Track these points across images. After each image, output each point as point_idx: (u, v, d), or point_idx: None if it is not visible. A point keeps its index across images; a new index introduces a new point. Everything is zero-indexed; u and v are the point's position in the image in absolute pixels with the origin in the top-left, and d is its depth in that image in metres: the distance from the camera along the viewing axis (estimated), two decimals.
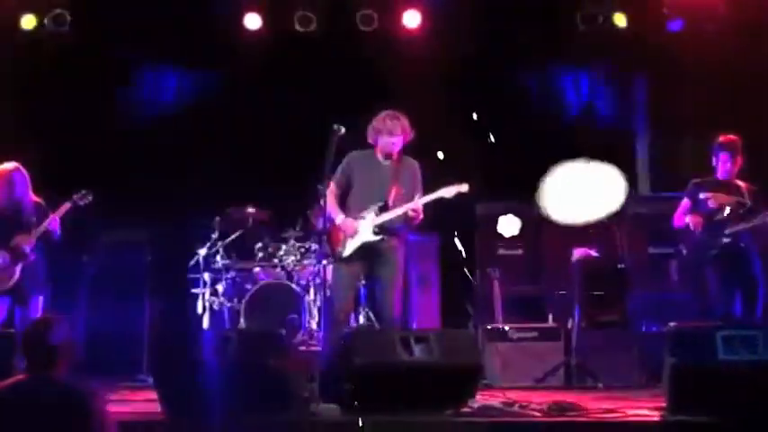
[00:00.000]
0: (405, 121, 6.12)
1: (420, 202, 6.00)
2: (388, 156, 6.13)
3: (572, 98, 9.22)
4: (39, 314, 6.27)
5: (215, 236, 8.08)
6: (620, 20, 8.48)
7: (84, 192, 6.45)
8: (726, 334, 4.90)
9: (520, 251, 8.30)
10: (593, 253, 7.72)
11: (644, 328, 7.33)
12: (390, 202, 6.04)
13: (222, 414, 4.53)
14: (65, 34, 8.43)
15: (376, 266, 6.04)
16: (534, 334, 7.23)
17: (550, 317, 7.71)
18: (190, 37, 8.67)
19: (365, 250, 5.98)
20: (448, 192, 6.02)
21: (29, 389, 3.52)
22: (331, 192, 6.14)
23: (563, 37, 8.62)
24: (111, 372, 6.84)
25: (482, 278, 8.05)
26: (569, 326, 7.38)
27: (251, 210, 8.12)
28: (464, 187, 6.03)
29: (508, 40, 8.64)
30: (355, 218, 6.05)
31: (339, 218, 6.08)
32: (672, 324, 5.46)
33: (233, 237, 8.15)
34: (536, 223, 8.42)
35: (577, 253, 7.75)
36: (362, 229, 5.98)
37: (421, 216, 6.01)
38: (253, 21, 8.74)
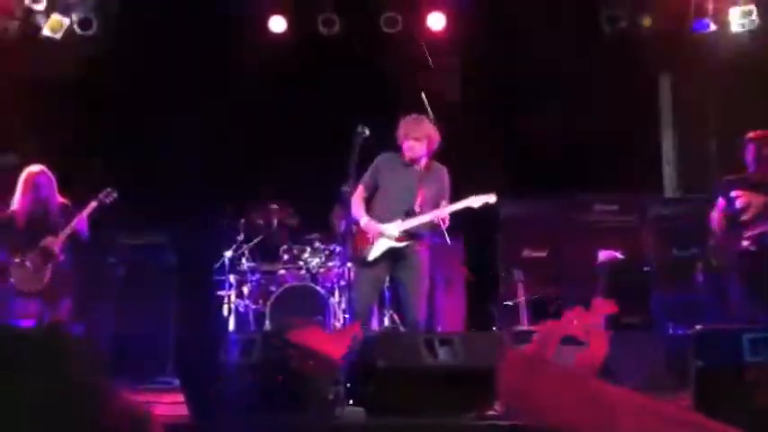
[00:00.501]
0: (429, 126, 6.13)
1: (447, 210, 6.02)
2: (413, 160, 6.14)
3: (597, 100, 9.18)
4: (67, 316, 6.35)
5: (240, 238, 8.12)
6: (646, 21, 8.45)
7: (109, 190, 6.51)
8: (753, 336, 4.87)
9: (544, 253, 8.28)
10: (619, 255, 7.68)
11: (669, 331, 7.29)
12: (417, 208, 6.05)
13: (247, 416, 4.56)
14: (89, 38, 8.50)
15: (401, 270, 6.07)
16: None
17: None
18: (214, 39, 8.73)
19: (390, 254, 6.00)
20: (476, 201, 6.09)
21: None
22: (359, 194, 6.20)
23: (588, 38, 8.61)
24: (138, 373, 6.89)
25: (507, 281, 8.04)
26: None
27: (276, 212, 8.15)
28: (492, 198, 6.12)
29: (530, 42, 8.62)
30: (381, 221, 6.05)
31: (363, 220, 6.10)
32: (697, 327, 5.43)
33: (258, 239, 8.19)
34: (561, 225, 8.41)
35: (603, 255, 7.71)
36: (388, 234, 6.00)
37: (447, 224, 6.03)
38: (278, 23, 8.80)
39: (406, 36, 8.71)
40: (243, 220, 8.14)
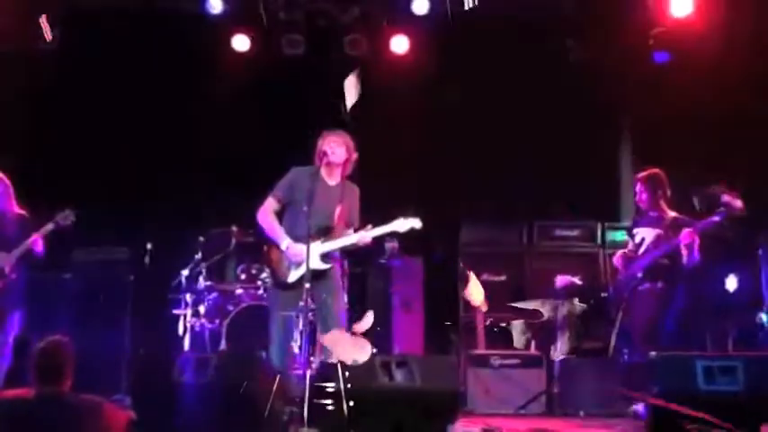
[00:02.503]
0: (349, 141, 6.07)
1: (372, 233, 5.92)
2: (331, 175, 6.04)
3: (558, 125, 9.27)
4: (15, 332, 6.21)
5: (198, 256, 8.03)
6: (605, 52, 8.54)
7: (67, 212, 6.35)
8: (706, 364, 4.92)
9: (503, 277, 8.32)
10: (577, 281, 7.73)
11: (626, 357, 7.33)
12: (336, 228, 5.96)
13: None
14: (51, 51, 8.44)
15: (322, 292, 5.88)
16: (517, 361, 7.22)
17: (533, 344, 7.71)
18: (176, 57, 8.71)
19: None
20: (402, 225, 5.91)
21: (39, 404, 3.98)
22: (269, 209, 6.02)
23: (550, 66, 8.71)
24: (90, 391, 6.75)
25: (466, 304, 8.05)
26: (551, 354, 7.38)
27: (234, 231, 8.08)
28: (417, 223, 5.92)
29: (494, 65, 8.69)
30: (296, 239, 5.83)
31: (284, 243, 5.88)
32: (652, 353, 5.48)
33: (215, 258, 8.11)
34: (520, 249, 8.46)
35: (560, 280, 7.76)
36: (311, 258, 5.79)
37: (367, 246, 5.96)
38: (241, 42, 8.78)
39: (370, 58, 8.74)
40: (201, 239, 8.06)
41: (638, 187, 6.76)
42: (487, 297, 7.79)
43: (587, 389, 6.97)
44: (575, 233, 8.55)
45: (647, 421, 4.88)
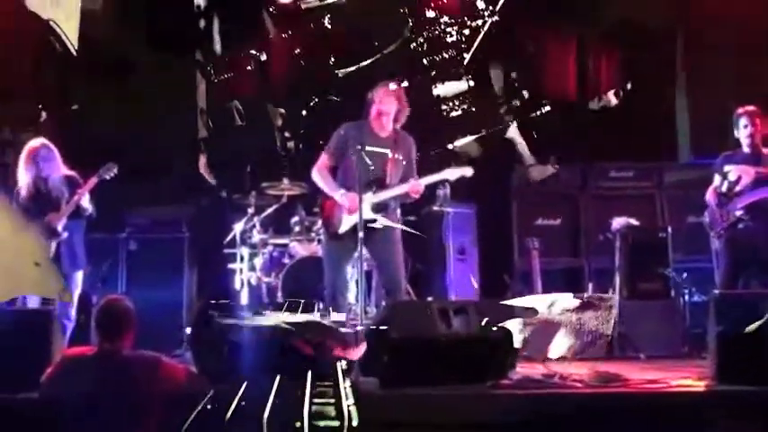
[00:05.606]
0: (400, 92, 6.00)
1: (423, 181, 5.91)
2: (382, 127, 6.00)
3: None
4: (78, 290, 6.31)
5: (251, 210, 8.06)
6: None
7: (109, 164, 6.42)
8: None
9: (558, 221, 8.22)
10: (633, 221, 7.58)
11: (686, 297, 7.21)
12: (388, 179, 5.93)
13: (258, 384, 4.50)
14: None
15: (377, 243, 5.93)
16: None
17: (590, 287, 7.62)
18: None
19: (363, 227, 5.73)
20: (452, 174, 5.94)
21: (99, 361, 4.09)
22: (323, 165, 6.04)
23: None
24: (151, 347, 6.85)
25: (520, 249, 7.98)
26: (610, 295, 7.28)
27: (285, 184, 8.07)
28: (468, 171, 5.97)
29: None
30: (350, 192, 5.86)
31: (339, 192, 5.91)
32: (715, 292, 5.36)
33: (268, 211, 8.13)
34: (575, 192, 8.33)
35: (617, 222, 7.62)
36: (364, 206, 5.74)
37: (419, 195, 5.92)
38: None
39: None
40: (253, 193, 8.08)
41: (745, 121, 6.46)
42: (542, 241, 7.72)
43: (647, 331, 6.88)
44: (630, 174, 8.39)
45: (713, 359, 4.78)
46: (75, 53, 8.26)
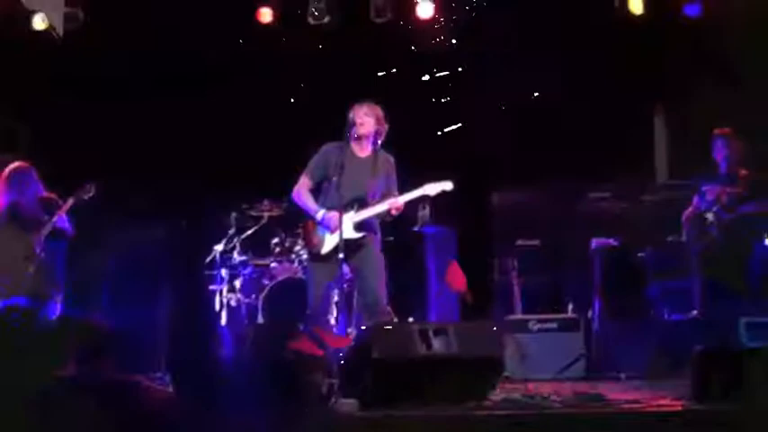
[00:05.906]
0: (378, 112, 6.03)
1: (402, 199, 5.93)
2: (362, 147, 6.03)
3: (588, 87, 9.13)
4: (56, 313, 6.27)
5: (232, 231, 8.05)
6: (636, 6, 8.35)
7: (87, 186, 6.40)
8: (749, 321, 4.85)
9: (538, 241, 8.25)
10: (612, 242, 7.64)
11: (665, 317, 7.25)
12: (369, 198, 5.95)
13: (239, 410, 4.49)
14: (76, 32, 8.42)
15: (359, 263, 5.96)
16: (554, 325, 7.16)
17: (570, 307, 7.65)
18: (204, 30, 8.64)
19: (344, 247, 5.77)
20: (432, 189, 5.93)
21: (79, 382, 4.08)
22: (304, 186, 6.07)
23: (578, 24, 8.54)
24: (128, 369, 6.80)
25: (500, 269, 8.00)
26: (589, 316, 7.31)
27: (266, 205, 8.07)
28: (448, 185, 5.95)
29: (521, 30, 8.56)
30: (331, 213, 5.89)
31: (320, 213, 5.93)
32: (694, 312, 5.41)
33: (249, 232, 8.11)
34: (555, 213, 8.37)
35: (596, 243, 7.67)
36: (343, 226, 5.81)
37: (400, 211, 5.93)
38: (265, 15, 8.72)
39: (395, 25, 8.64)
40: (234, 214, 8.07)
41: (719, 143, 6.60)
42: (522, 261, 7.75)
43: (627, 350, 6.91)
44: (608, 194, 8.44)
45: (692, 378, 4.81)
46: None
